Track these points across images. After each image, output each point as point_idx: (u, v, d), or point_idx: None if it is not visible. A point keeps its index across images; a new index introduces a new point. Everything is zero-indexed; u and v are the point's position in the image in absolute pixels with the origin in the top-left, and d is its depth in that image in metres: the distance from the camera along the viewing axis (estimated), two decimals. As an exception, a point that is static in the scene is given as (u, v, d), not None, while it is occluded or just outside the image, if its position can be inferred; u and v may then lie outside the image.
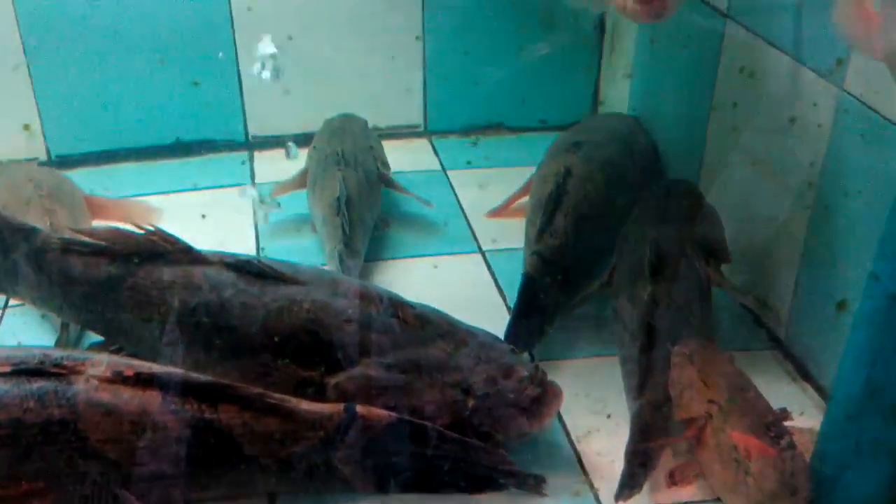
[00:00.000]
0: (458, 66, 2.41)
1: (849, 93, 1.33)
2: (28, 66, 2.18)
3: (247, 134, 2.42)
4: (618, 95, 2.39)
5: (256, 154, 2.41)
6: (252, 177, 2.31)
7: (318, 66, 2.35)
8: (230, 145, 2.41)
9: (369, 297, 1.37)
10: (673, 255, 1.45)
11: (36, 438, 1.15)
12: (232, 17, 2.25)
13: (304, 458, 1.21)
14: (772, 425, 1.17)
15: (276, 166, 2.27)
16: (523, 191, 2.01)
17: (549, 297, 1.58)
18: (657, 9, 1.33)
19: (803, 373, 1.51)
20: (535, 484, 1.25)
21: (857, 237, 1.33)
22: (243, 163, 2.35)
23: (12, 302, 1.73)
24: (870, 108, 1.28)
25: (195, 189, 2.23)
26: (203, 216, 2.08)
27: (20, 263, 1.48)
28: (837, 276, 1.36)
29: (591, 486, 1.30)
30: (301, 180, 2.01)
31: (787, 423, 1.19)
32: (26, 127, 2.23)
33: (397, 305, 1.36)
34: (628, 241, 1.57)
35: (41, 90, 2.21)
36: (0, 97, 2.18)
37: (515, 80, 2.45)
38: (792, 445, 1.14)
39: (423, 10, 2.34)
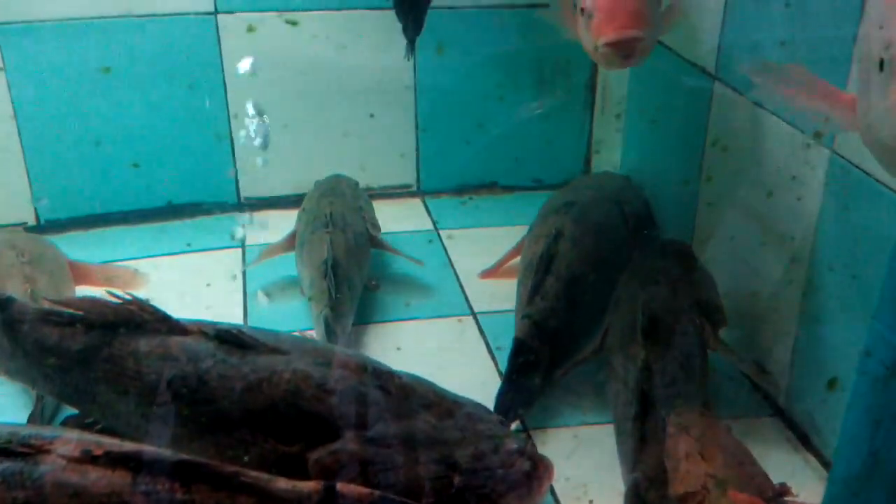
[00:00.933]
0: (450, 125, 2.42)
1: (839, 154, 1.31)
2: (18, 131, 2.19)
3: (239, 196, 2.42)
4: (610, 154, 2.39)
5: (252, 214, 2.41)
6: (243, 241, 2.29)
7: (311, 128, 2.36)
8: (222, 207, 2.41)
9: (352, 367, 1.32)
10: (667, 317, 1.41)
11: (-2, 521, 1.10)
12: (224, 81, 2.26)
13: (281, 539, 1.16)
14: (772, 501, 1.11)
15: (268, 228, 2.26)
16: (515, 251, 1.98)
17: (541, 361, 1.53)
18: (625, 50, 1.36)
19: (804, 441, 1.45)
20: (524, 566, 1.19)
21: (849, 308, 1.30)
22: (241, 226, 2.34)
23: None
24: (862, 170, 1.26)
25: (185, 252, 2.21)
26: (192, 278, 2.07)
27: (-9, 334, 1.44)
28: (831, 346, 1.32)
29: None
30: (289, 243, 1.98)
31: (787, 499, 1.13)
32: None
33: (381, 375, 1.32)
34: (621, 304, 1.53)
35: (31, 154, 2.22)
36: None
37: (508, 139, 2.45)
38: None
39: (415, 70, 2.36)
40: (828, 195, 1.34)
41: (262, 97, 2.29)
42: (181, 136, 2.29)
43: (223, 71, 2.25)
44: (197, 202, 2.38)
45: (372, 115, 2.37)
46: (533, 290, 1.63)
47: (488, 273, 2.03)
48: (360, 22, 2.27)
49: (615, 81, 2.29)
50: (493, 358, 1.74)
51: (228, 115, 2.30)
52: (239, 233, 2.30)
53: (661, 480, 1.23)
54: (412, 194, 2.50)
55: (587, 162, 2.51)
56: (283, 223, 2.13)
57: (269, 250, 1.98)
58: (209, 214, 2.39)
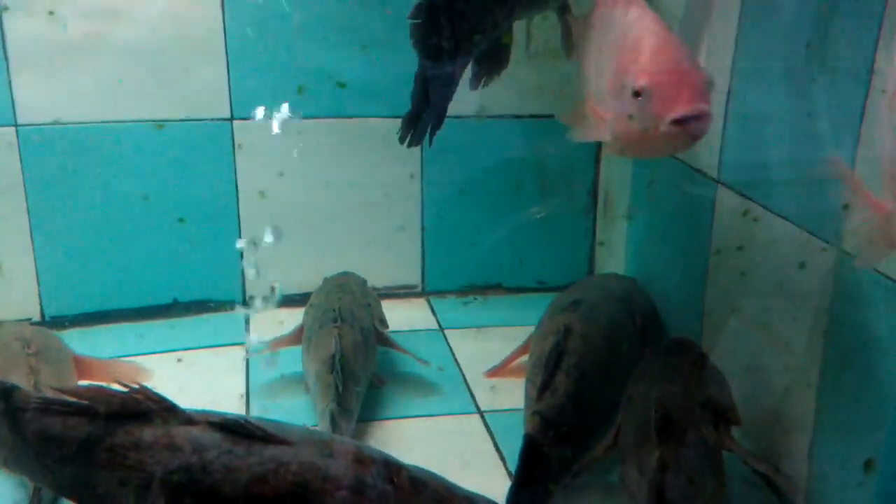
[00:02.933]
0: (455, 228, 2.46)
1: (848, 252, 1.33)
2: (31, 229, 2.23)
3: (244, 294, 2.43)
4: (613, 257, 2.42)
5: (252, 315, 2.40)
6: (247, 337, 2.28)
7: (317, 229, 2.40)
8: (227, 305, 2.42)
9: (362, 459, 1.29)
10: (681, 415, 1.39)
11: None
12: (237, 185, 2.32)
13: None
14: None
15: (272, 326, 2.26)
16: (522, 350, 1.97)
17: (553, 458, 1.50)
18: (697, 128, 1.23)
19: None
20: None
21: (871, 396, 1.28)
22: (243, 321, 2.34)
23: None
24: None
25: (189, 349, 2.20)
26: (195, 375, 2.05)
27: (-8, 423, 1.41)
28: (857, 438, 1.30)
29: None
30: (297, 336, 1.98)
31: None
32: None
33: (391, 468, 1.28)
34: (633, 401, 1.51)
35: (40, 250, 2.24)
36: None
37: (513, 242, 2.49)
38: None
39: (421, 176, 2.42)
40: (837, 294, 1.35)
41: (270, 197, 2.38)
42: (188, 234, 2.34)
43: (236, 175, 2.33)
44: (202, 300, 2.41)
45: (377, 218, 2.43)
46: (543, 386, 1.61)
47: (494, 372, 2.01)
48: (366, 129, 2.35)
49: (618, 187, 2.35)
50: (502, 456, 1.70)
51: (238, 219, 2.36)
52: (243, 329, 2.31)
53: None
54: (417, 294, 2.52)
55: (590, 265, 2.55)
56: (288, 320, 2.14)
57: (278, 341, 1.98)
58: (214, 312, 2.41)
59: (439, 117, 1.66)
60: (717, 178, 1.72)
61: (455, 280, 2.53)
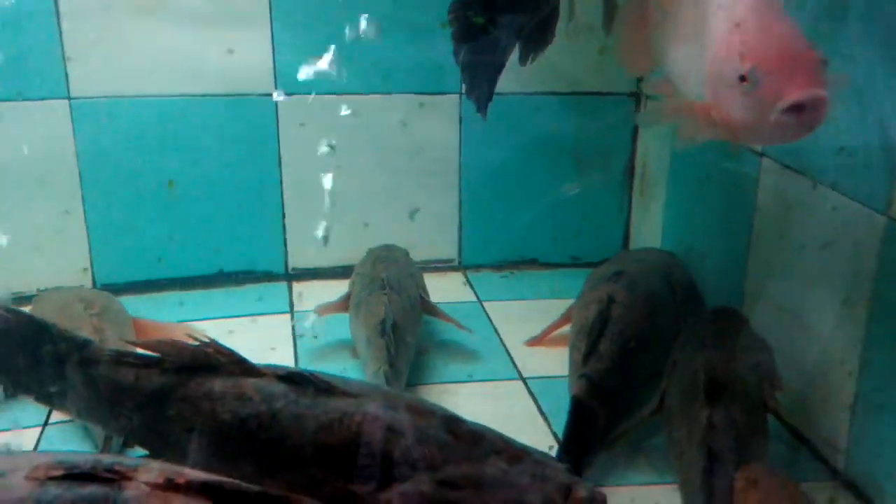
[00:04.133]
0: (493, 203, 2.52)
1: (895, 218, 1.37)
2: (83, 198, 2.30)
3: (286, 266, 2.50)
4: (648, 234, 2.46)
5: (295, 285, 2.47)
6: (291, 306, 2.35)
7: (356, 204, 2.46)
8: (269, 277, 2.48)
9: (422, 411, 1.35)
10: (728, 378, 1.44)
11: (81, 546, 1.11)
12: (280, 158, 2.38)
13: (354, 577, 1.16)
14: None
15: (314, 297, 2.32)
16: (562, 321, 2.03)
17: (600, 419, 1.56)
18: (812, 117, 1.08)
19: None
20: None
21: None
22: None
23: (52, 418, 1.73)
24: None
25: (235, 316, 2.27)
26: (241, 342, 2.11)
27: (70, 375, 1.48)
28: (892, 407, 1.34)
29: None
30: (344, 304, 2.04)
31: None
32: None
33: (450, 420, 1.34)
34: (678, 367, 1.56)
35: (92, 221, 2.32)
36: (52, 227, 2.29)
37: (549, 218, 2.54)
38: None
39: (460, 151, 2.47)
40: (884, 259, 1.39)
41: (312, 174, 2.44)
42: (233, 206, 2.41)
43: (279, 149, 2.39)
44: (247, 271, 2.48)
45: (416, 193, 2.48)
46: (588, 352, 1.67)
47: (535, 341, 2.07)
48: (409, 105, 2.41)
49: (656, 164, 2.39)
50: (546, 419, 1.76)
51: (282, 193, 2.42)
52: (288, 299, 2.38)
53: (731, 532, 1.24)
54: (453, 269, 2.57)
55: (625, 241, 2.60)
56: (327, 292, 2.21)
57: (325, 307, 2.04)
58: (258, 282, 2.48)
59: (490, 93, 1.71)
60: (761, 152, 1.76)
61: (491, 255, 2.58)
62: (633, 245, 2.57)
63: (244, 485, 1.20)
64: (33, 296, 2.20)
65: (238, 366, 1.41)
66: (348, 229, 2.45)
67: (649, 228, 2.45)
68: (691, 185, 2.16)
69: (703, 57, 1.14)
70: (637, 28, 1.39)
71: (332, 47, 2.30)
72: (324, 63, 2.31)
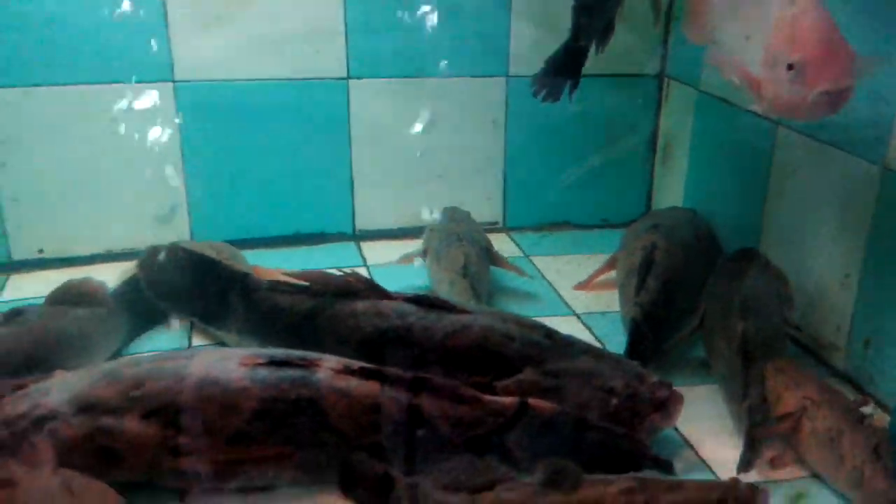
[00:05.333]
0: (533, 172, 2.88)
1: (890, 169, 1.75)
2: (184, 170, 2.63)
3: (354, 227, 2.85)
4: (669, 197, 2.85)
5: (362, 244, 2.83)
6: (364, 261, 2.71)
7: (414, 173, 2.81)
8: (340, 237, 2.83)
9: (525, 323, 1.73)
10: (757, 299, 1.84)
11: (289, 412, 1.47)
12: (350, 134, 2.73)
13: (485, 438, 1.52)
14: (855, 410, 1.51)
15: (380, 254, 2.69)
16: (606, 267, 2.41)
17: (649, 338, 1.95)
18: (836, 102, 1.39)
19: (860, 390, 1.86)
20: (666, 466, 1.56)
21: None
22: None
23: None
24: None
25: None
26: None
27: (232, 302, 1.84)
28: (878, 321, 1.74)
29: (711, 468, 1.63)
30: (417, 256, 2.41)
31: (865, 408, 1.52)
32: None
33: (547, 329, 1.73)
34: (713, 295, 1.96)
35: (191, 186, 2.65)
36: (159, 195, 2.62)
37: (581, 184, 2.91)
38: (875, 423, 1.48)
39: (505, 128, 2.83)
40: (880, 203, 1.78)
41: (376, 147, 2.79)
42: (309, 175, 2.75)
43: (349, 126, 2.73)
44: (319, 232, 2.83)
45: (466, 161, 2.84)
46: (638, 288, 2.05)
47: (582, 286, 2.45)
48: (459, 87, 2.75)
49: (678, 135, 2.77)
50: (602, 344, 2.13)
51: (350, 162, 2.78)
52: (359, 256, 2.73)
53: (765, 410, 1.63)
54: (498, 230, 2.93)
55: (648, 204, 2.98)
56: (391, 249, 2.60)
57: (405, 257, 2.41)
58: (328, 243, 2.83)
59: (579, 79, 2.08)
60: (776, 121, 2.14)
61: (531, 217, 2.95)
62: (654, 207, 2.96)
63: (401, 371, 1.57)
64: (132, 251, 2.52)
65: (374, 291, 1.78)
66: (407, 196, 2.82)
67: (670, 192, 2.83)
68: (711, 152, 2.55)
69: (758, 40, 1.50)
70: (702, 7, 1.71)
71: (394, 36, 2.69)
72: (387, 50, 2.70)
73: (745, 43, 1.54)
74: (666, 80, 2.82)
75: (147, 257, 1.99)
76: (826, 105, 1.43)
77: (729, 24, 1.59)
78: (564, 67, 2.09)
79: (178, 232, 2.65)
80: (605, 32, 2.09)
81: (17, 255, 2.50)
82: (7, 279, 2.45)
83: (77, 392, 1.48)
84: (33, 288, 2.36)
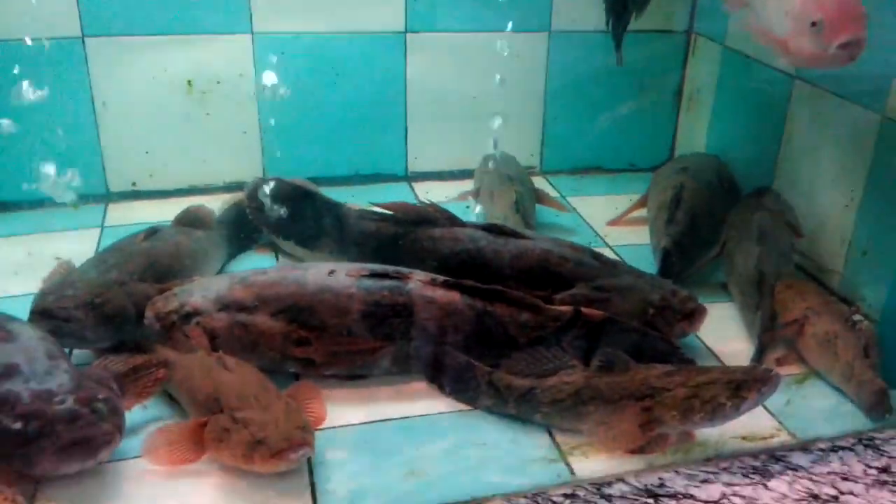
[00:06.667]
0: (569, 120, 3.16)
1: (890, 118, 2.05)
2: (259, 114, 2.93)
3: (406, 169, 3.16)
4: (692, 144, 3.14)
5: (414, 184, 3.14)
6: (416, 197, 3.02)
7: (459, 120, 3.10)
8: (393, 178, 3.14)
9: (577, 247, 2.07)
10: (771, 228, 2.16)
11: (387, 314, 1.82)
12: (406, 83, 3.01)
13: (546, 339, 1.86)
14: (850, 316, 1.85)
15: (430, 192, 3.00)
16: (637, 205, 2.73)
17: (677, 262, 2.27)
18: (854, 50, 1.66)
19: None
20: (691, 363, 1.89)
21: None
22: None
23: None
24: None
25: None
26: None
27: (327, 227, 2.17)
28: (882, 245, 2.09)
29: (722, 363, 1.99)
30: (474, 193, 2.74)
31: (858, 315, 1.86)
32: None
33: (595, 252, 2.06)
34: (734, 225, 2.29)
35: (266, 131, 2.95)
36: (230, 125, 2.88)
37: (611, 131, 3.20)
38: (864, 327, 1.82)
39: (546, 79, 3.11)
40: (878, 147, 2.08)
41: (428, 95, 3.08)
42: (369, 121, 3.04)
43: (405, 75, 3.01)
44: (375, 173, 3.14)
45: (510, 113, 3.11)
46: (668, 221, 2.38)
47: (614, 222, 2.77)
48: (507, 40, 3.01)
49: (703, 86, 3.06)
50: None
51: (406, 110, 3.07)
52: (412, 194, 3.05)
53: (774, 318, 1.97)
54: (535, 174, 3.23)
55: (672, 151, 3.28)
56: (441, 188, 2.92)
57: (463, 195, 2.74)
58: (383, 183, 3.14)
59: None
60: (793, 75, 2.44)
61: (565, 162, 3.26)
62: (678, 153, 3.25)
63: (478, 284, 1.91)
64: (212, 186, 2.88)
65: (450, 220, 2.11)
66: (454, 141, 3.12)
67: (693, 139, 3.13)
68: (733, 102, 2.85)
69: (786, 5, 1.78)
70: None
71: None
72: (442, 7, 2.96)
73: (775, 6, 1.82)
74: (693, 35, 3.10)
75: (253, 188, 2.32)
76: (844, 56, 1.71)
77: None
78: (614, 37, 2.38)
79: (252, 170, 2.98)
80: (644, 2, 2.38)
81: (114, 187, 2.84)
82: (106, 208, 2.79)
83: (217, 293, 1.83)
84: (128, 216, 2.71)
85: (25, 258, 2.41)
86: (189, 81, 2.79)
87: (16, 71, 2.55)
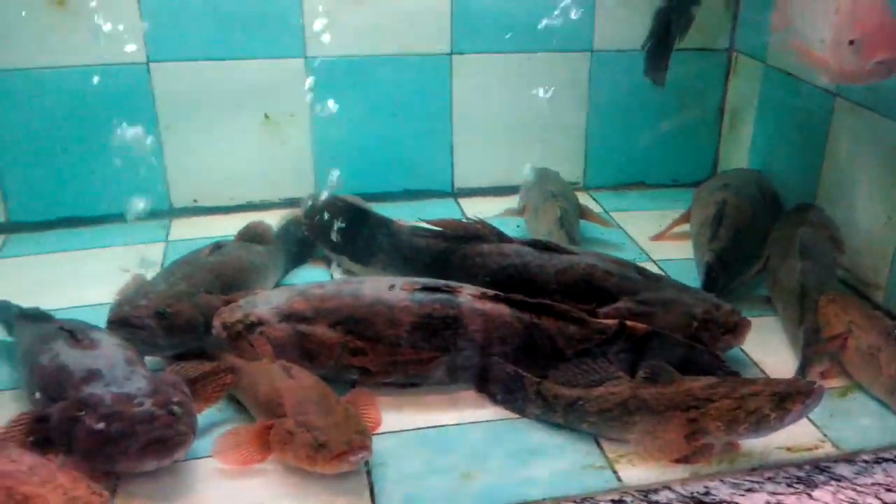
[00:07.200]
0: (611, 136, 3.23)
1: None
2: (312, 132, 3.05)
3: (453, 185, 3.25)
4: (734, 160, 3.19)
5: (461, 200, 3.23)
6: (463, 214, 3.11)
7: (504, 138, 3.20)
8: (440, 194, 3.23)
9: (621, 262, 2.14)
10: (813, 243, 2.21)
11: (438, 326, 1.91)
12: (452, 103, 3.12)
13: (592, 351, 1.93)
14: (892, 330, 1.88)
15: (475, 208, 3.07)
16: (681, 220, 2.78)
17: (720, 278, 2.32)
18: (893, 69, 1.74)
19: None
20: (734, 374, 1.94)
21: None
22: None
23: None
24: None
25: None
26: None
27: (380, 243, 2.27)
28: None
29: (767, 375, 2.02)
30: (521, 211, 2.82)
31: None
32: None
33: (639, 267, 2.13)
34: (777, 241, 2.33)
35: (318, 149, 3.07)
36: (284, 143, 3.02)
37: (654, 147, 3.26)
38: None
39: (589, 97, 3.19)
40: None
41: (473, 114, 3.17)
42: (415, 142, 3.14)
43: (452, 95, 3.11)
44: (423, 189, 3.23)
45: (553, 131, 3.20)
46: (711, 236, 2.43)
47: (658, 237, 2.82)
48: (544, 62, 3.10)
49: (744, 104, 3.10)
50: (678, 283, 2.53)
51: (452, 128, 3.16)
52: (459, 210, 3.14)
53: (818, 332, 2.00)
54: (579, 189, 3.29)
55: (715, 166, 3.32)
56: (486, 205, 3.00)
57: (507, 212, 2.83)
58: (431, 199, 3.23)
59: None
60: (835, 92, 2.48)
61: (608, 177, 3.32)
62: (720, 169, 3.29)
63: (526, 298, 1.98)
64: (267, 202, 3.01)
65: (497, 236, 2.20)
66: (500, 158, 3.20)
67: (735, 155, 3.17)
68: (775, 119, 2.88)
69: (826, 25, 1.87)
70: (784, 2, 2.06)
71: (493, 18, 3.04)
72: (486, 29, 3.06)
73: (815, 26, 1.90)
74: (734, 53, 3.15)
75: (308, 205, 2.44)
76: (881, 72, 1.78)
77: (803, 13, 1.95)
78: (659, 59, 2.47)
79: (305, 186, 3.10)
80: (686, 24, 2.45)
81: (177, 203, 2.99)
82: (170, 223, 2.94)
83: (278, 305, 1.94)
84: (190, 231, 2.86)
85: (99, 270, 2.56)
86: (245, 103, 2.93)
87: (88, 95, 2.74)
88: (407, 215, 3.00)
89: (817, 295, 2.06)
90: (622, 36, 3.13)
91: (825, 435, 1.83)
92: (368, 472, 1.71)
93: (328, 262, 2.56)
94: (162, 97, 2.84)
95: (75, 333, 1.79)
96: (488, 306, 1.93)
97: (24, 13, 2.64)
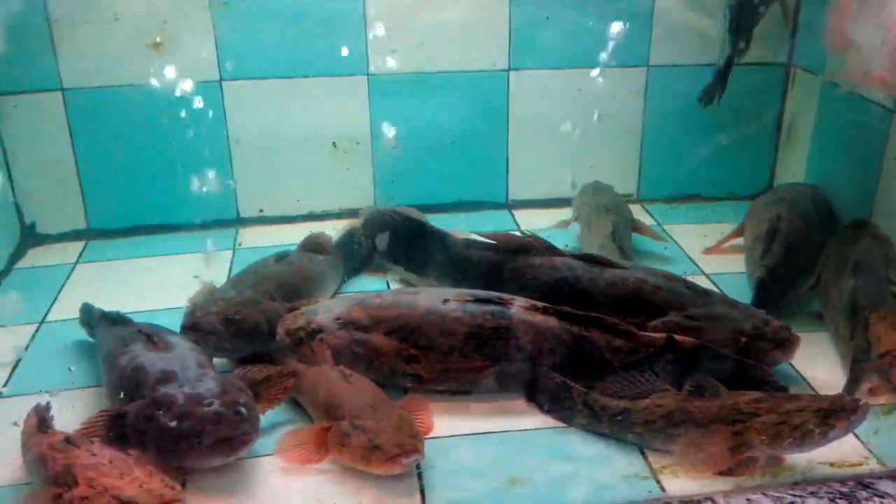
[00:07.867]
0: (667, 149, 3.25)
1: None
2: (372, 150, 3.15)
3: (507, 197, 3.32)
4: (790, 174, 3.17)
5: (514, 212, 3.30)
6: (517, 226, 3.18)
7: (559, 153, 3.25)
8: (495, 206, 3.31)
9: (671, 277, 2.18)
10: (866, 260, 2.20)
11: (489, 336, 1.98)
12: (508, 118, 3.19)
13: (639, 364, 1.97)
14: (947, 351, 1.88)
15: (528, 220, 3.15)
16: (734, 234, 2.79)
17: (772, 293, 2.33)
18: None
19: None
20: (783, 390, 1.95)
21: None
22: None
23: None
24: None
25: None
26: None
27: (435, 255, 2.36)
28: None
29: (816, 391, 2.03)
30: (567, 224, 2.88)
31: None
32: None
33: (686, 280, 2.16)
34: (830, 258, 2.33)
35: (379, 165, 3.17)
36: (347, 163, 3.17)
37: (710, 161, 3.26)
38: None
39: (644, 112, 3.22)
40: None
41: (529, 128, 3.24)
42: (472, 155, 3.23)
43: (508, 109, 3.18)
44: (478, 201, 3.31)
45: (609, 145, 3.24)
46: (764, 252, 2.44)
47: (711, 250, 2.83)
48: (604, 76, 3.11)
49: (802, 118, 3.09)
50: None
51: (508, 141, 3.24)
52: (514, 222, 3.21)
53: (868, 349, 2.01)
54: (633, 202, 3.32)
55: (771, 180, 3.31)
56: (539, 217, 3.06)
57: (561, 223, 2.88)
58: (485, 210, 3.31)
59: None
60: (892, 109, 2.46)
61: (663, 190, 3.34)
62: (777, 182, 3.28)
63: (575, 310, 2.04)
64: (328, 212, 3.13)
65: (548, 250, 2.26)
66: (554, 171, 3.26)
67: (792, 169, 3.16)
68: (832, 134, 2.87)
69: (885, 44, 1.87)
70: (839, 21, 2.08)
71: (548, 34, 3.11)
72: (542, 45, 3.12)
73: (874, 44, 1.89)
74: (792, 68, 3.14)
75: (369, 217, 2.55)
76: None
77: (862, 34, 1.97)
78: (721, 79, 2.51)
79: (364, 198, 3.22)
80: (746, 45, 2.48)
81: (244, 213, 3.14)
82: (237, 232, 3.09)
83: (337, 313, 2.04)
84: (257, 240, 3.00)
85: (172, 276, 2.72)
86: (308, 117, 3.05)
87: (164, 112, 2.91)
88: (462, 226, 3.12)
89: (868, 312, 2.06)
90: (678, 50, 3.16)
91: (870, 451, 1.83)
92: (419, 475, 1.79)
93: (385, 272, 2.67)
94: (232, 113, 3.00)
95: (152, 337, 1.93)
96: (538, 318, 2.00)
97: (123, 58, 2.84)
